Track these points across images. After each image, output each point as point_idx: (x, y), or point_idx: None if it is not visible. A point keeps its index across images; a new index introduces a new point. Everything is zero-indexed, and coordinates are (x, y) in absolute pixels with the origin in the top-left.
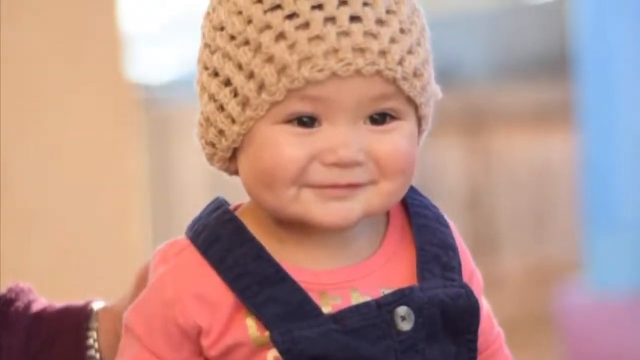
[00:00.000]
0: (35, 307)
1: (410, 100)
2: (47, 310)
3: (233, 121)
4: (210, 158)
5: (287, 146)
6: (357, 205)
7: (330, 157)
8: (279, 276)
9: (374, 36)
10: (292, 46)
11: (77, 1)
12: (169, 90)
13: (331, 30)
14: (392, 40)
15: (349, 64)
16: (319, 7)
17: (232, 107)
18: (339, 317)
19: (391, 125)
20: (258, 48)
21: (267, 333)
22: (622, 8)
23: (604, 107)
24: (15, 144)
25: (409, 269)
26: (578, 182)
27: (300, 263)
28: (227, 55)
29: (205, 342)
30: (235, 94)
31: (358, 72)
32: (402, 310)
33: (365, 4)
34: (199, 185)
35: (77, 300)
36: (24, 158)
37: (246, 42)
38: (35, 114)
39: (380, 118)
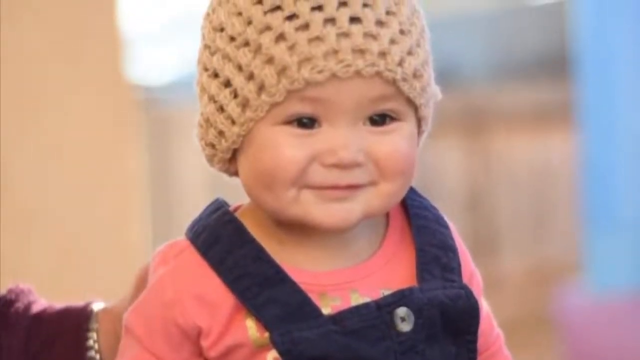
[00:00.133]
0: (35, 308)
1: (410, 101)
2: (47, 311)
3: (233, 122)
4: (210, 159)
5: (287, 147)
6: (357, 207)
7: (330, 158)
8: (279, 277)
9: (374, 37)
10: (292, 47)
11: (77, 1)
12: (169, 91)
13: (331, 31)
14: (392, 42)
15: (348, 65)
16: (319, 8)
17: (232, 108)
18: (338, 318)
19: (391, 126)
20: (258, 49)
21: (267, 334)
22: (622, 9)
23: (604, 107)
24: (15, 144)
25: (409, 270)
26: (578, 183)
27: (300, 264)
28: (227, 57)
29: (205, 343)
30: (235, 95)
31: (358, 73)
32: (401, 311)
33: (365, 5)
34: (199, 185)
35: (77, 301)
36: (24, 158)
37: (246, 43)
38: (35, 114)
39: (380, 119)
